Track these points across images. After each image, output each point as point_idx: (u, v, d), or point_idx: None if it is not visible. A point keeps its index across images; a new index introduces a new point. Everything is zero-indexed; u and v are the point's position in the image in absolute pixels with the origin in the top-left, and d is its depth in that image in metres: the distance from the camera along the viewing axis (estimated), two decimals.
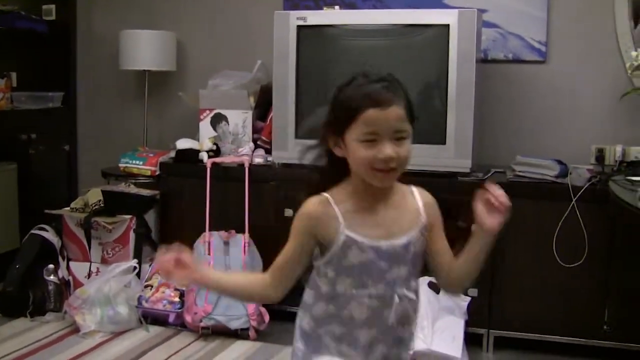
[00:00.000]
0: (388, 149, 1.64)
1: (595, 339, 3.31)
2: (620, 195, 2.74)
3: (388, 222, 1.74)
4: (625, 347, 3.24)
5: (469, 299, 3.36)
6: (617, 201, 2.69)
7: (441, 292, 3.35)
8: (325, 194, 1.73)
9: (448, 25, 3.32)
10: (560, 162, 3.36)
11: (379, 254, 1.71)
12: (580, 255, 3.22)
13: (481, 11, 3.56)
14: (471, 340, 3.36)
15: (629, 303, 3.22)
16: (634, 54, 3.27)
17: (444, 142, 3.36)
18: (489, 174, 3.45)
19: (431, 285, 3.37)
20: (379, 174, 1.67)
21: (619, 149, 3.52)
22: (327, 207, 1.72)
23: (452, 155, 3.36)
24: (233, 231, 3.59)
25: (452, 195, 3.42)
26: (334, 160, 1.75)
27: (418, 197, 1.79)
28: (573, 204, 3.20)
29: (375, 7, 3.93)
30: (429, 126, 3.38)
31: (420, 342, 3.21)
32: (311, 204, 1.74)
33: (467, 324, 3.32)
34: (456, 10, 3.39)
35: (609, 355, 3.31)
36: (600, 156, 3.55)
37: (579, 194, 3.19)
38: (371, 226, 1.72)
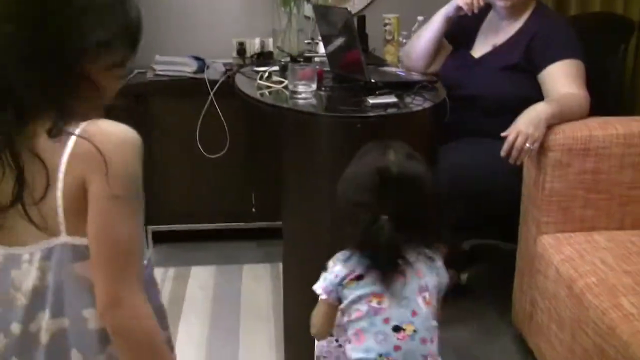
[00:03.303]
0: None
1: (246, 222, 3.57)
2: (241, 86, 2.88)
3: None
4: (271, 225, 3.50)
5: None
6: (240, 92, 2.83)
7: None
8: None
9: None
10: (197, 58, 3.44)
11: None
12: (223, 146, 3.40)
13: None
14: None
15: (270, 186, 3.47)
16: None
17: None
18: (131, 75, 3.47)
19: None
20: None
21: (256, 41, 3.71)
22: None
23: None
24: None
25: None
26: None
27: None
28: (211, 98, 3.33)
29: None
30: None
31: None
32: None
33: None
34: None
35: (258, 235, 3.60)
36: (241, 49, 3.70)
37: (215, 87, 3.31)
38: None
